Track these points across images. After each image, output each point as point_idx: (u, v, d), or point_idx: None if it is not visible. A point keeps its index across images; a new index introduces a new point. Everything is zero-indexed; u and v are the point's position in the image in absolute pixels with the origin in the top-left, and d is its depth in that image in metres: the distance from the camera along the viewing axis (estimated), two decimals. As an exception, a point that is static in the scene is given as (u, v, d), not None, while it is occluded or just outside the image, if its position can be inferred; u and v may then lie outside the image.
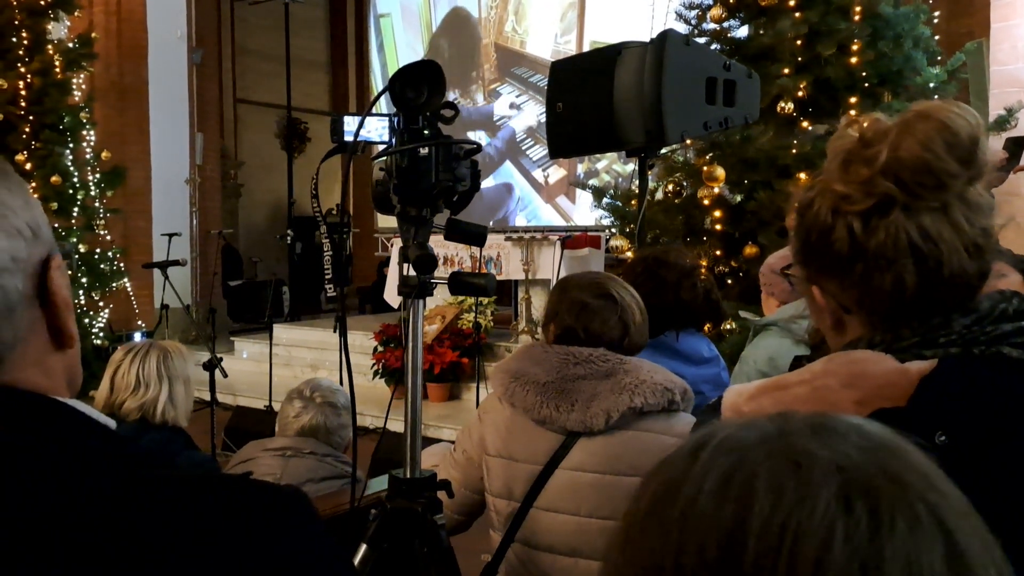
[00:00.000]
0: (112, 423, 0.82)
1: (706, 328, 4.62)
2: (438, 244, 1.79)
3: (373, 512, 1.78)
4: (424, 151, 1.67)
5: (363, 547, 1.74)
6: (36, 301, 0.80)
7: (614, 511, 1.87)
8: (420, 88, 1.65)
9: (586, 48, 9.57)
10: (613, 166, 9.36)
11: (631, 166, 8.79)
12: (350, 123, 1.94)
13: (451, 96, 11.30)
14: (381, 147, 1.92)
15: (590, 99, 3.55)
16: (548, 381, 1.93)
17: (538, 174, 10.23)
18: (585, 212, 9.48)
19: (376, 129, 1.87)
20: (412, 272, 1.74)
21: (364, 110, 12.59)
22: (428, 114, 1.70)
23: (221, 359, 5.86)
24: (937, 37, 5.37)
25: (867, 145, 1.04)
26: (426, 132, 1.69)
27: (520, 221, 10.25)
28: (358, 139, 1.72)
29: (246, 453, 2.72)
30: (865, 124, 1.07)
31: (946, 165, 1.00)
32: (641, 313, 2.04)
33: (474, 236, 1.84)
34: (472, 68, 11.10)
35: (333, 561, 0.82)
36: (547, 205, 10.18)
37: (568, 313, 2.02)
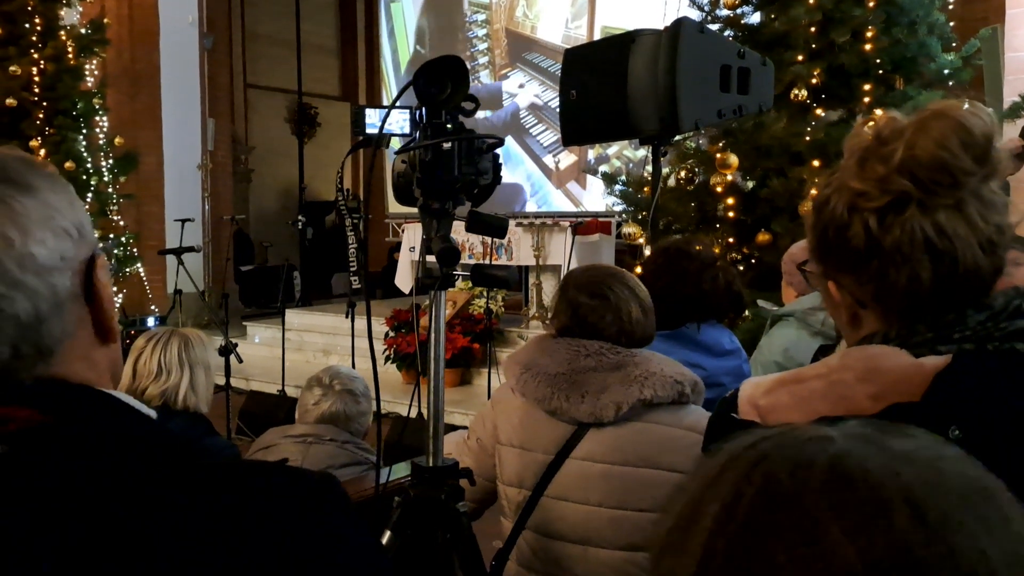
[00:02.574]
0: (153, 413, 0.86)
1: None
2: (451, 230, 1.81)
3: (396, 500, 1.81)
4: (447, 145, 1.69)
5: (387, 534, 1.77)
6: (82, 298, 0.84)
7: (623, 501, 1.90)
8: (443, 84, 1.67)
9: (597, 33, 9.55)
10: (624, 151, 9.35)
11: (642, 151, 8.77)
12: (371, 115, 1.96)
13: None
14: (400, 139, 1.94)
15: (603, 87, 3.55)
16: (559, 372, 1.95)
17: (549, 160, 10.22)
18: (596, 198, 9.48)
19: (397, 121, 1.89)
20: (435, 263, 1.77)
21: (382, 100, 12.59)
22: (453, 107, 1.72)
23: (236, 345, 5.90)
24: (952, 23, 5.33)
25: (883, 143, 1.06)
26: (449, 126, 1.72)
27: (531, 207, 10.25)
28: (383, 132, 1.75)
29: (267, 440, 2.76)
30: (881, 123, 1.09)
31: (961, 163, 1.02)
32: (642, 309, 2.04)
33: (495, 228, 1.87)
34: (453, 42, 11.05)
35: (366, 544, 0.85)
36: (558, 191, 10.18)
37: (565, 312, 2.06)
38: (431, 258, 1.76)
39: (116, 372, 0.90)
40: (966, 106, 1.07)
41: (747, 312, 4.74)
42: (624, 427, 1.91)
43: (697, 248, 2.55)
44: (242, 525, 0.75)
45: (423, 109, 1.75)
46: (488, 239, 7.79)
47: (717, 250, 5.26)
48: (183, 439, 0.86)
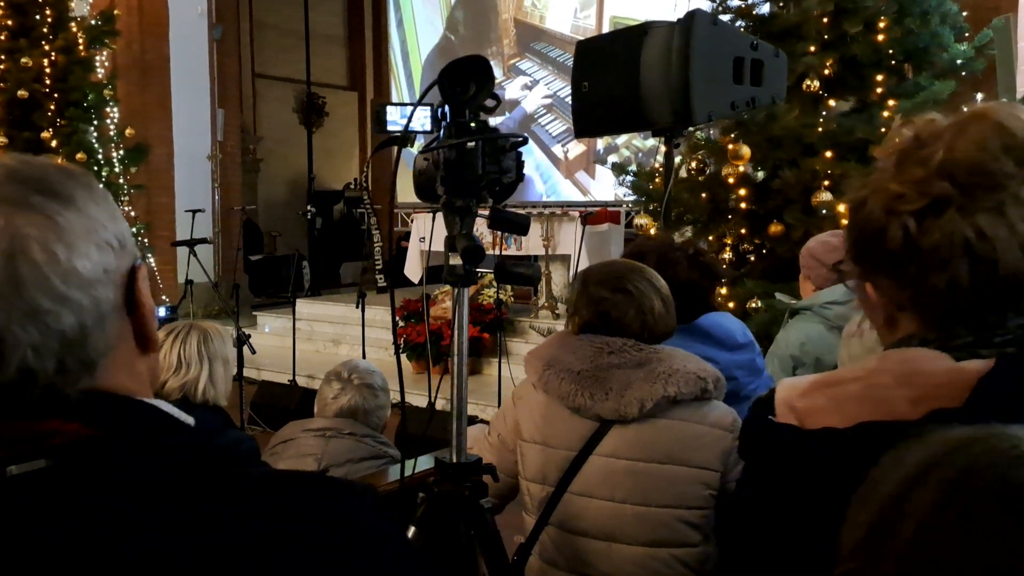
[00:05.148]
0: (191, 420, 0.86)
1: (720, 292, 4.59)
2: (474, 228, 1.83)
3: (421, 495, 1.83)
4: (471, 144, 1.70)
5: (412, 529, 1.79)
6: (124, 309, 0.84)
7: (648, 498, 1.91)
8: (468, 83, 1.68)
9: (606, 23, 9.53)
10: (633, 141, 9.35)
11: (651, 141, 8.76)
12: (392, 113, 1.97)
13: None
14: (423, 136, 1.95)
15: (616, 79, 3.55)
16: (582, 369, 1.95)
17: (558, 149, 10.22)
18: (605, 187, 9.48)
19: (417, 119, 1.91)
20: (458, 261, 1.77)
21: (390, 91, 12.57)
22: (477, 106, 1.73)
23: (249, 336, 5.93)
24: (964, 13, 5.30)
25: (922, 145, 1.04)
26: (472, 125, 1.73)
27: (540, 197, 10.26)
28: (408, 131, 1.76)
29: (286, 433, 2.78)
30: (919, 124, 1.07)
31: (1002, 165, 1.00)
32: (663, 301, 2.04)
33: (517, 225, 1.87)
34: (488, 42, 11.06)
35: (407, 557, 0.86)
36: (567, 180, 10.17)
37: (587, 308, 2.05)
38: (454, 255, 1.76)
39: (155, 380, 0.90)
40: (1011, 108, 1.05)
41: (760, 303, 4.76)
42: (648, 424, 1.92)
43: (647, 244, 2.50)
44: (289, 537, 0.76)
45: (445, 107, 1.76)
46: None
47: (730, 240, 5.27)
48: (225, 448, 0.86)
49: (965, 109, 1.06)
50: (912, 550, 0.55)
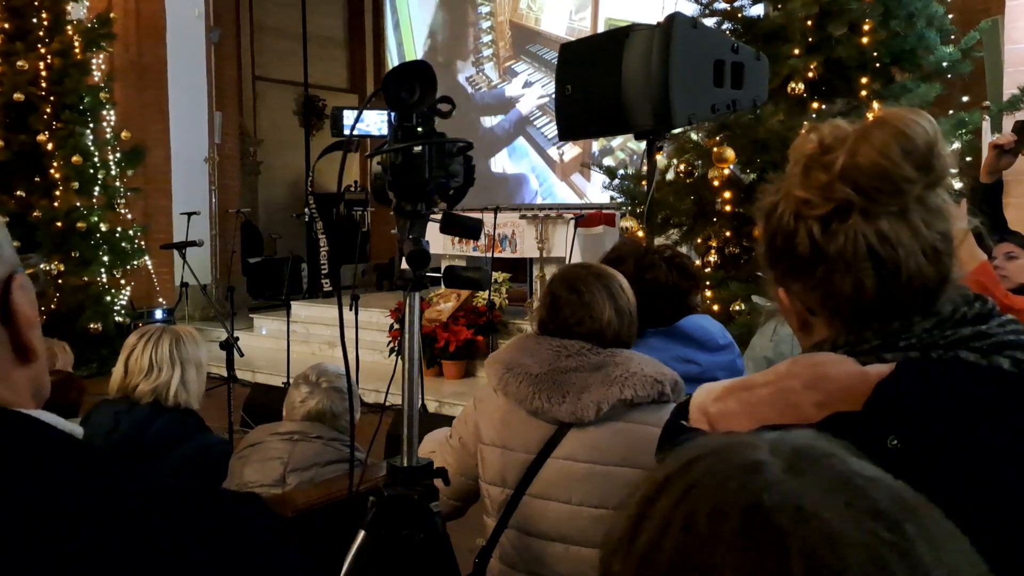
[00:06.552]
0: (79, 431, 0.83)
1: (705, 295, 4.56)
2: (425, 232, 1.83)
3: (371, 500, 1.83)
4: (418, 148, 1.70)
5: (361, 533, 1.79)
6: None
7: (604, 500, 1.91)
8: (412, 88, 1.68)
9: (601, 25, 9.54)
10: (628, 143, 9.35)
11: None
12: (349, 117, 1.98)
13: (469, 72, 11.29)
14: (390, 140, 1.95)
15: (599, 82, 3.56)
16: (540, 373, 1.96)
17: (553, 152, 10.23)
18: (599, 190, 9.48)
19: (375, 123, 1.92)
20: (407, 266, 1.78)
21: (362, 105, 12.61)
22: (424, 110, 1.74)
23: (238, 339, 5.92)
24: (951, 15, 5.29)
25: (826, 151, 1.06)
26: (420, 129, 1.73)
27: (536, 199, 10.27)
28: (356, 134, 1.76)
29: (254, 437, 2.78)
30: (825, 130, 1.09)
31: (902, 171, 1.02)
32: (618, 311, 2.02)
33: (469, 229, 1.88)
34: (465, 48, 11.08)
35: (292, 567, 0.83)
36: (562, 183, 10.18)
37: (543, 305, 2.07)
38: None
39: (39, 390, 0.87)
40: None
41: (743, 306, 4.75)
42: (605, 427, 1.92)
43: (624, 249, 2.50)
44: (155, 552, 0.73)
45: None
46: (491, 232, 7.82)
47: (715, 243, 5.27)
48: (107, 459, 0.83)
49: (870, 116, 1.08)
50: (643, 564, 0.56)
